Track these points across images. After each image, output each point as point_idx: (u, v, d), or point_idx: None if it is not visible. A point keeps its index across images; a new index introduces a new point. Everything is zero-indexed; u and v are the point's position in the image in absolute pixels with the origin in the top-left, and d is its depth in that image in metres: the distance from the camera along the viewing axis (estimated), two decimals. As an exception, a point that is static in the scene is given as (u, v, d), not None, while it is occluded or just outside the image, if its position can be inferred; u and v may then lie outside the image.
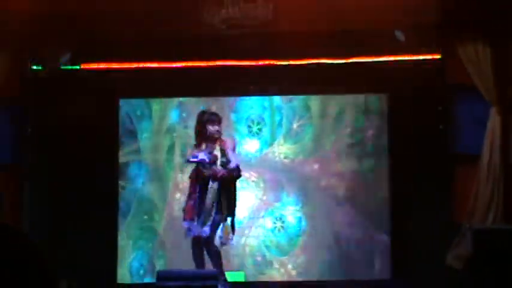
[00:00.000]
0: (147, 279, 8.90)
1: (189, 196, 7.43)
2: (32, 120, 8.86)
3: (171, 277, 7.33)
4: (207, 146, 7.45)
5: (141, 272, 9.05)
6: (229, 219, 7.39)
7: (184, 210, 7.47)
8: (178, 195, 8.94)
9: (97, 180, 8.95)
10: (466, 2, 7.95)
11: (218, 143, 7.48)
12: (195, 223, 7.31)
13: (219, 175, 7.32)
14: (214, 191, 7.32)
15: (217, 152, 7.40)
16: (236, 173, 7.45)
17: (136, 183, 9.15)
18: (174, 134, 9.22)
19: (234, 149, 7.51)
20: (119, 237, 9.10)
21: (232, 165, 7.31)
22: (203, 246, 7.36)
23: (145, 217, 9.12)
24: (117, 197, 9.14)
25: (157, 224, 9.10)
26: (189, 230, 7.37)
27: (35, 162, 8.87)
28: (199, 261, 7.43)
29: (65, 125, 8.86)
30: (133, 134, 9.23)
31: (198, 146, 7.51)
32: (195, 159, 7.34)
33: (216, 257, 7.40)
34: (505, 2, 7.97)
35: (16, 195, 8.67)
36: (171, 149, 9.19)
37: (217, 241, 7.36)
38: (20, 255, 1.61)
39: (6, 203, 8.37)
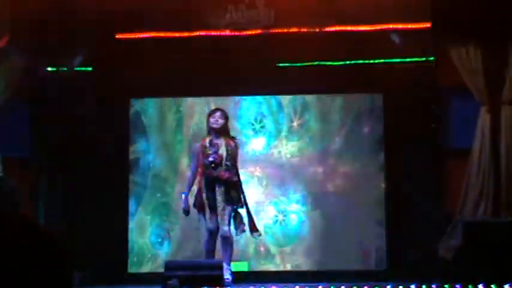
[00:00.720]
0: (165, 246, 9.28)
1: (199, 191, 7.56)
2: (48, 118, 9.05)
3: (178, 267, 7.53)
4: (211, 143, 7.55)
5: (159, 239, 9.35)
6: (242, 211, 7.64)
7: (195, 204, 7.60)
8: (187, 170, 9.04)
9: (109, 174, 9.15)
10: (458, 6, 8.07)
11: (224, 141, 7.58)
12: (216, 222, 7.54)
13: (224, 178, 7.50)
14: (222, 191, 7.49)
15: (222, 152, 7.52)
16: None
17: (147, 156, 9.45)
18: (180, 108, 9.48)
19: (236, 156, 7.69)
20: (135, 219, 9.36)
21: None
22: (220, 239, 7.58)
23: (159, 195, 9.40)
24: (128, 192, 9.37)
25: (169, 198, 9.34)
26: (208, 225, 7.60)
27: (50, 157, 9.10)
28: (211, 250, 7.64)
29: (78, 122, 9.06)
30: (139, 115, 9.51)
31: (206, 138, 7.67)
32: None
33: (231, 247, 7.61)
34: (495, 5, 8.12)
35: (33, 187, 8.92)
36: (179, 123, 9.47)
37: (233, 232, 7.60)
38: (38, 245, 1.54)
39: (23, 195, 8.53)
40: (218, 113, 7.65)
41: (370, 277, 8.57)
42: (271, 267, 9.23)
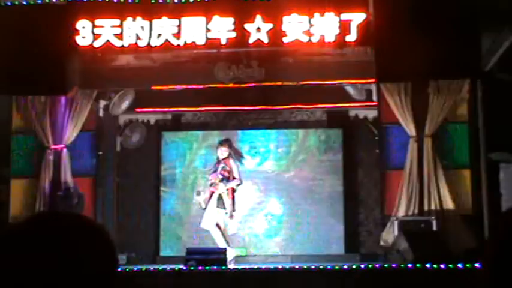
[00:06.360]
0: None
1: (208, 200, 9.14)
2: (103, 146, 10.19)
3: (195, 252, 8.63)
4: (217, 164, 9.04)
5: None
6: (229, 212, 9.07)
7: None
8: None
9: (146, 186, 10.45)
10: (393, 65, 8.26)
11: (225, 163, 8.91)
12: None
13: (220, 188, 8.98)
14: (218, 197, 9.02)
15: (224, 170, 8.95)
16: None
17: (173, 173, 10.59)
18: (197, 138, 10.58)
19: (237, 170, 9.01)
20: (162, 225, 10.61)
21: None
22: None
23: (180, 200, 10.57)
24: (159, 201, 10.57)
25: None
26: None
27: (105, 174, 10.27)
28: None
29: (126, 149, 10.49)
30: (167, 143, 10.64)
31: (216, 164, 9.12)
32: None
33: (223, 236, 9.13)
34: (420, 63, 8.25)
35: (93, 195, 9.72)
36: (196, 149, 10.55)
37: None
38: (95, 236, 1.64)
39: (87, 201, 9.44)
40: (220, 146, 9.13)
41: (331, 260, 9.18)
42: (260, 252, 10.07)
